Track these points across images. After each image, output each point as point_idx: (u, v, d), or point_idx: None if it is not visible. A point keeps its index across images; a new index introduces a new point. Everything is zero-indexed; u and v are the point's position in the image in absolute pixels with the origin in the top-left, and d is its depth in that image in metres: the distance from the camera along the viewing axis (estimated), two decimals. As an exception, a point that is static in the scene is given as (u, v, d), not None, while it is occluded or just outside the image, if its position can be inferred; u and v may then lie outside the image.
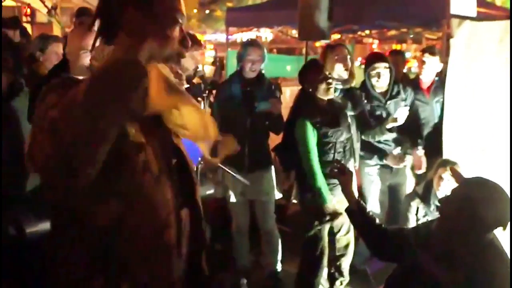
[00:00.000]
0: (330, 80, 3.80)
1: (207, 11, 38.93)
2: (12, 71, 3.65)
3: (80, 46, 3.15)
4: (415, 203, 3.90)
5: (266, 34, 24.27)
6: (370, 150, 4.49)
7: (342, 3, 5.99)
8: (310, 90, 3.80)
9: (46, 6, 7.06)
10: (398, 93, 4.47)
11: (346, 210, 2.95)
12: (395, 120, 4.19)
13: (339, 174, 3.02)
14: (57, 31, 14.94)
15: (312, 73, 3.82)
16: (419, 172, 4.44)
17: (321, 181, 3.73)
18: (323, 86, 3.77)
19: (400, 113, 4.19)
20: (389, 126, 4.23)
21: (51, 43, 4.33)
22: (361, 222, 2.86)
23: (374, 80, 4.41)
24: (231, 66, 4.60)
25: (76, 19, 5.72)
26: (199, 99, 3.84)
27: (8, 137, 3.52)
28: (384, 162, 4.46)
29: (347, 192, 2.95)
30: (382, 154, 4.47)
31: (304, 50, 6.96)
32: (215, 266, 4.34)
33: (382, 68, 4.37)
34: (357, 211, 2.86)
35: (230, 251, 4.54)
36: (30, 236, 2.69)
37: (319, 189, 3.73)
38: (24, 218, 2.72)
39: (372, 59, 4.50)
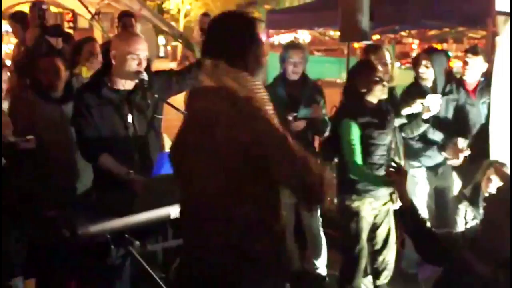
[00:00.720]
0: (384, 82, 3.76)
1: (244, 14, 39.09)
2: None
3: (129, 50, 3.20)
4: (463, 206, 3.83)
5: (304, 36, 24.18)
6: (415, 152, 4.44)
7: (383, 3, 5.94)
8: (363, 90, 3.75)
9: (89, 12, 7.20)
10: (450, 91, 4.42)
11: (398, 210, 2.92)
12: (428, 109, 4.12)
13: (395, 173, 2.99)
14: (98, 36, 15.27)
15: (366, 74, 3.78)
16: (456, 162, 4.33)
17: (366, 177, 3.70)
18: (378, 87, 3.73)
19: (432, 101, 4.11)
20: (424, 116, 4.16)
21: (85, 44, 4.43)
22: (412, 223, 2.83)
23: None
24: (272, 68, 4.60)
25: (119, 22, 5.85)
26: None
27: (61, 141, 3.61)
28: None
29: (401, 192, 2.93)
30: (428, 154, 4.41)
31: (344, 52, 6.92)
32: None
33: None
34: (409, 212, 2.84)
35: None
36: (82, 237, 2.74)
37: (365, 178, 3.71)
38: (76, 220, 2.77)
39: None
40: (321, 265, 4.46)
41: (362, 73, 3.81)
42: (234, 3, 36.72)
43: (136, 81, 3.21)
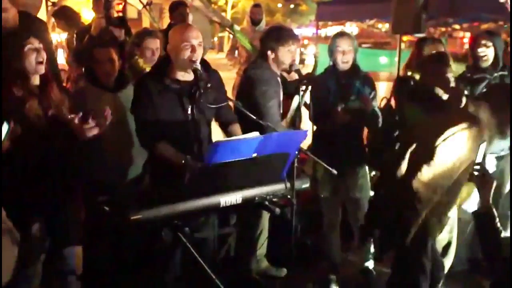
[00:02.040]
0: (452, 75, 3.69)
1: (292, 6, 38.93)
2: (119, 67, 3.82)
3: (181, 39, 3.25)
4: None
5: (352, 28, 23.92)
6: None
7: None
8: (431, 83, 3.65)
9: (141, 2, 7.27)
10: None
11: (475, 212, 2.86)
12: None
13: (480, 178, 2.92)
14: (146, 26, 15.44)
15: (438, 66, 3.68)
16: None
17: None
18: (451, 80, 3.64)
19: None
20: None
21: (146, 38, 4.48)
22: (485, 228, 2.77)
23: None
24: (323, 60, 4.56)
25: (171, 12, 5.89)
26: (296, 96, 3.83)
27: (115, 128, 3.68)
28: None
29: (484, 196, 2.85)
30: None
31: (394, 44, 6.81)
32: (305, 262, 4.35)
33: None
34: (485, 216, 2.77)
35: (320, 247, 4.52)
36: (133, 223, 2.77)
37: None
38: (128, 205, 2.80)
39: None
40: (368, 258, 4.42)
41: (435, 65, 3.72)
42: (281, -5, 36.71)
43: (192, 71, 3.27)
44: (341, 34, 4.23)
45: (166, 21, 9.94)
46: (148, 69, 4.20)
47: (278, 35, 3.89)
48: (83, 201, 3.70)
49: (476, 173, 2.91)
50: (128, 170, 3.78)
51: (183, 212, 2.90)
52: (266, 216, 4.23)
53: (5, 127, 2.66)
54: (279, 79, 3.96)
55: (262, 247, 4.35)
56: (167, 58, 3.40)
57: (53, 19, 6.67)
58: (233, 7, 33.83)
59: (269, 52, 3.87)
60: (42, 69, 3.17)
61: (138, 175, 3.79)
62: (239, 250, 4.36)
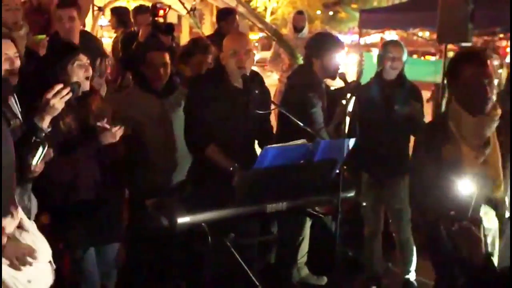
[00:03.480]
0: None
1: (330, 13, 38.82)
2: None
3: (232, 47, 3.33)
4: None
5: (391, 36, 23.68)
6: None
7: (485, 4, 5.72)
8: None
9: (185, 8, 7.37)
10: None
11: None
12: None
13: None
14: (185, 31, 15.61)
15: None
16: None
17: None
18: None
19: None
20: None
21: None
22: None
23: None
24: (367, 68, 4.52)
25: (220, 20, 5.95)
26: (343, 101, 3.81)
27: (160, 132, 3.73)
28: None
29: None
30: None
31: (437, 53, 6.71)
32: (346, 271, 4.31)
33: None
34: None
35: (361, 256, 4.49)
36: (180, 227, 2.81)
37: None
38: (175, 209, 2.84)
39: None
40: (409, 269, 4.36)
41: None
42: (320, 2, 36.62)
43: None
44: (394, 42, 4.25)
45: (205, 26, 10.07)
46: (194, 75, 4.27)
47: (324, 42, 3.89)
48: (128, 203, 3.78)
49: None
50: (173, 174, 3.82)
51: (229, 217, 2.93)
52: (308, 223, 4.23)
53: (40, 151, 2.71)
54: (323, 86, 3.96)
55: (303, 255, 4.34)
56: (220, 64, 3.46)
57: (99, 23, 6.83)
58: (272, 13, 33.92)
59: (314, 59, 3.88)
60: (87, 85, 3.24)
61: (183, 179, 3.83)
62: (280, 257, 4.36)
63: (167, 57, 3.82)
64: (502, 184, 2.88)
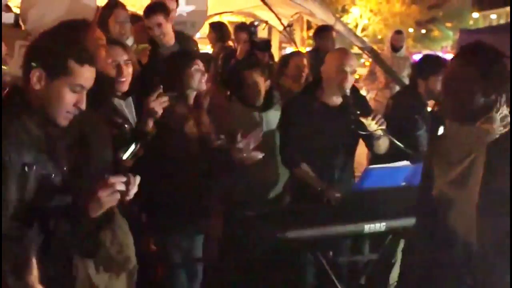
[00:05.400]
0: None
1: (423, 31, 38.00)
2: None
3: (337, 64, 3.32)
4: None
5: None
6: None
7: None
8: None
9: (282, 24, 7.46)
10: None
11: None
12: None
13: None
14: (274, 46, 15.73)
15: None
16: None
17: None
18: None
19: None
20: None
21: (293, 58, 4.61)
22: None
23: None
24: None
25: (317, 37, 5.99)
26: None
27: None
28: None
29: None
30: None
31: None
32: None
33: None
34: None
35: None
36: (279, 240, 2.84)
37: None
38: (275, 223, 2.89)
39: None
40: None
41: None
42: (413, 19, 35.93)
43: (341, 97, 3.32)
44: None
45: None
46: (294, 88, 4.32)
47: (431, 65, 3.83)
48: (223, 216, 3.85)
49: None
50: (270, 188, 3.87)
51: (327, 236, 2.94)
52: (400, 246, 4.14)
53: (132, 147, 2.80)
54: (428, 108, 3.90)
55: (394, 279, 4.25)
56: (319, 80, 3.48)
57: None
58: (362, 30, 33.65)
59: (420, 80, 3.83)
60: (203, 86, 3.35)
61: (279, 193, 3.87)
62: (371, 278, 4.29)
63: (260, 74, 3.90)
64: None
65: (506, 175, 1.96)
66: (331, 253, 2.96)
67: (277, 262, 3.61)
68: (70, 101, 1.98)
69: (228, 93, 4.58)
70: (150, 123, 2.89)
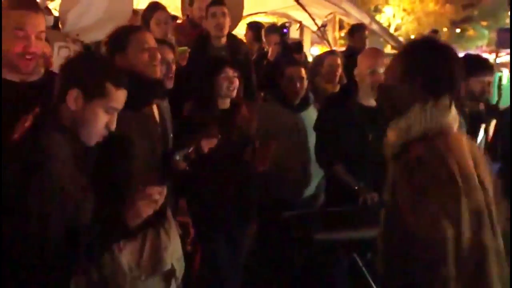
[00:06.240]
0: None
1: (458, 30, 37.36)
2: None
3: (369, 64, 3.30)
4: None
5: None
6: None
7: None
8: None
9: (316, 24, 7.44)
10: None
11: None
12: None
13: None
14: (306, 46, 15.72)
15: None
16: None
17: None
18: None
19: None
20: None
21: (327, 57, 4.60)
22: None
23: None
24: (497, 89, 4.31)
25: (351, 36, 5.96)
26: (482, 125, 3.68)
27: (295, 146, 3.79)
28: None
29: None
30: None
31: None
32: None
33: None
34: None
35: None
36: (316, 242, 2.83)
37: None
38: (312, 224, 2.87)
39: None
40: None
41: None
42: (447, 18, 35.36)
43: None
44: None
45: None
46: (328, 88, 4.30)
47: (472, 65, 3.76)
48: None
49: None
50: (304, 187, 3.86)
51: (364, 239, 2.90)
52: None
53: (184, 149, 2.82)
54: (466, 109, 3.82)
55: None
56: (354, 81, 3.46)
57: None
58: (395, 29, 33.30)
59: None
60: (232, 94, 3.36)
61: (313, 193, 3.86)
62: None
63: (303, 71, 3.88)
64: None
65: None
66: (369, 254, 2.91)
67: (312, 263, 3.62)
68: (103, 122, 2.01)
69: (262, 94, 4.60)
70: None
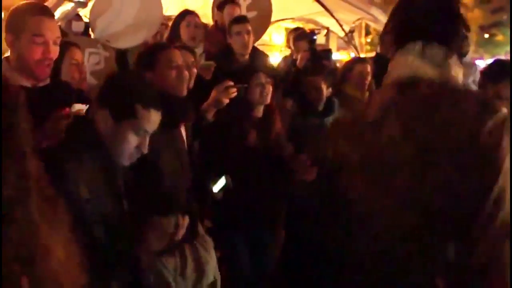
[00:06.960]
0: None
1: (486, 35, 36.88)
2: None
3: None
4: None
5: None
6: None
7: None
8: None
9: (343, 30, 7.41)
10: None
11: None
12: None
13: None
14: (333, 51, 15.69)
15: None
16: None
17: None
18: None
19: None
20: None
21: (356, 64, 4.60)
22: None
23: None
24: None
25: (381, 42, 5.91)
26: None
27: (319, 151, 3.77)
28: None
29: None
30: None
31: None
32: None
33: None
34: None
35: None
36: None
37: None
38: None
39: None
40: None
41: None
42: (476, 24, 34.94)
43: None
44: None
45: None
46: (357, 96, 4.28)
47: (502, 71, 3.71)
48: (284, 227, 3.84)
49: None
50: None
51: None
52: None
53: (222, 181, 2.80)
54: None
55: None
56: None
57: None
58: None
59: (490, 85, 3.71)
60: (265, 100, 3.39)
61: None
62: None
63: (321, 81, 3.96)
64: None
65: None
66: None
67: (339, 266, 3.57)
68: (133, 144, 2.01)
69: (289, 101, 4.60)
70: (212, 113, 3.03)
